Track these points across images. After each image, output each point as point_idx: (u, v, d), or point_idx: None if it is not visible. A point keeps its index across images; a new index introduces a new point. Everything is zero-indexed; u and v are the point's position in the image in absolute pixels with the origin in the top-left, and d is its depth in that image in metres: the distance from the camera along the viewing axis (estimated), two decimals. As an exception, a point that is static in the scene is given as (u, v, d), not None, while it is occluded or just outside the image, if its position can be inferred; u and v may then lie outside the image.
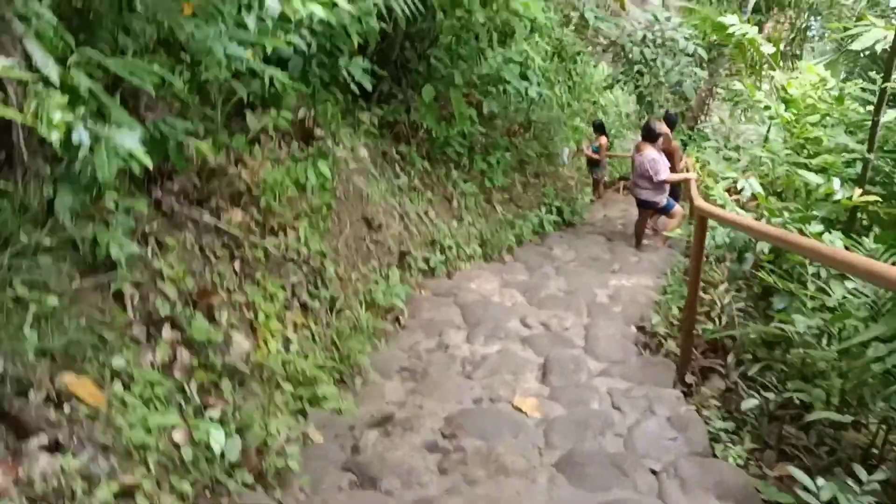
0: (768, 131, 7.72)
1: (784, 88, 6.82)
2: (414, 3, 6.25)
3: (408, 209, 6.94)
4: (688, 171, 11.30)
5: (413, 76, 7.90)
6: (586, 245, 9.99)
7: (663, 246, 10.34)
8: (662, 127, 12.25)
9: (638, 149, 9.95)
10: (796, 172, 5.47)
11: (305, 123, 5.86)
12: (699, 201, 5.19)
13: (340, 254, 5.62)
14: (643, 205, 10.17)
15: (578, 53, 10.38)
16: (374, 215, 6.28)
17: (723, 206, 6.02)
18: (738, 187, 6.17)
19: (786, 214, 4.82)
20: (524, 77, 8.41)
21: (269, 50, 4.19)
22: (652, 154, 9.71)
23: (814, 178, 5.24)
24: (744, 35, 7.30)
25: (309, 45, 5.36)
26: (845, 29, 7.47)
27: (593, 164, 14.66)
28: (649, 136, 9.86)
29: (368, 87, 5.74)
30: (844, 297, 3.99)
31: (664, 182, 9.79)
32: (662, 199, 9.99)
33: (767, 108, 6.57)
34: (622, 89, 11.30)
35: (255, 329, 4.31)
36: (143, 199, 3.93)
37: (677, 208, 10.23)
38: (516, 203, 9.86)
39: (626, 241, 10.77)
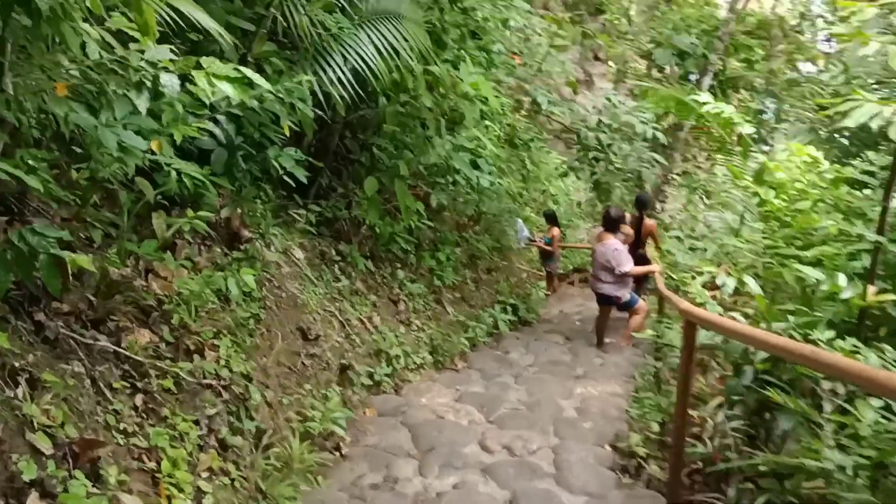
0: (742, 219, 7.22)
1: (764, 171, 6.32)
2: (354, 89, 5.68)
3: (349, 316, 6.20)
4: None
5: (355, 168, 7.30)
6: (545, 347, 9.31)
7: (627, 345, 9.71)
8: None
9: (599, 238, 9.39)
10: (791, 266, 4.90)
11: (231, 224, 5.15)
12: (685, 304, 4.56)
13: (270, 374, 4.82)
14: (604, 300, 9.55)
15: (532, 140, 9.94)
16: (311, 325, 5.52)
17: (702, 306, 5.43)
18: (719, 283, 5.61)
19: (791, 319, 4.19)
20: (475, 166, 7.86)
21: (177, 139, 3.51)
22: (614, 244, 9.16)
23: (813, 273, 4.66)
24: (718, 114, 6.85)
25: (232, 136, 4.72)
26: (821, 108, 7.12)
27: (546, 257, 14.13)
28: (610, 225, 9.33)
29: (303, 180, 5.08)
30: (877, 422, 3.35)
31: (627, 275, 9.23)
32: (626, 293, 9.41)
33: (756, 194, 6.05)
34: (577, 177, 10.86)
35: (158, 482, 3.47)
36: (13, 327, 3.16)
37: (641, 304, 9.66)
38: (469, 302, 9.19)
39: (586, 339, 10.13)
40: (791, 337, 4.05)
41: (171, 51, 3.13)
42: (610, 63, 16.73)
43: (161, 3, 2.88)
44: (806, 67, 15.32)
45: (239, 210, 5.04)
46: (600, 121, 10.07)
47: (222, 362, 4.24)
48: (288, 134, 4.92)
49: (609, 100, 10.27)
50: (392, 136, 7.13)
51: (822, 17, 14.35)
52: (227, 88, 3.11)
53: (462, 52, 7.21)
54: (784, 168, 6.24)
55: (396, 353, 6.44)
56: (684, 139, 14.51)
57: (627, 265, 9.19)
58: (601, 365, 8.63)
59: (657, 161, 10.21)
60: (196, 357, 4.16)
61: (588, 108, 10.45)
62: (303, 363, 5.19)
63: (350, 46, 5.58)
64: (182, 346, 4.14)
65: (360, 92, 5.89)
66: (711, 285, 6.18)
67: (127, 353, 3.72)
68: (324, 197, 6.94)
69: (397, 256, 7.70)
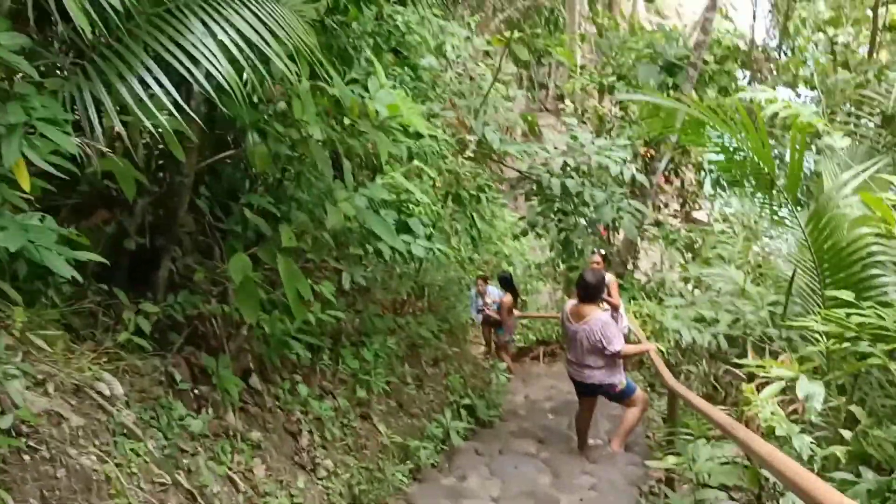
0: (792, 279, 5.09)
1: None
2: (185, 114, 3.46)
3: (205, 478, 3.84)
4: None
5: (230, 242, 5.01)
6: (514, 463, 6.97)
7: (619, 450, 7.45)
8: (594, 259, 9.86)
9: (578, 315, 7.11)
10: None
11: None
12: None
13: None
14: (592, 390, 7.25)
15: (483, 190, 7.70)
16: (117, 521, 3.15)
17: (786, 450, 3.24)
18: (802, 395, 3.48)
19: None
20: (404, 228, 5.66)
21: None
22: (602, 317, 6.98)
23: None
24: (793, 119, 4.79)
25: None
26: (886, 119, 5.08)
27: (495, 326, 11.88)
28: (590, 294, 7.09)
29: (65, 273, 2.76)
30: None
31: (618, 355, 7.01)
32: (621, 378, 7.18)
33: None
34: (538, 234, 8.68)
35: None
36: None
37: (640, 392, 7.43)
38: (409, 411, 6.86)
39: (564, 442, 7.87)
40: None
41: None
42: (565, 103, 14.83)
43: None
44: (783, 93, 13.48)
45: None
46: (566, 164, 7.96)
47: None
48: (28, 189, 2.67)
49: (575, 138, 8.18)
50: (273, 189, 4.90)
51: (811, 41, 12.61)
52: None
53: (375, 64, 5.01)
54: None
55: (288, 529, 4.08)
56: (657, 184, 12.56)
57: (619, 343, 7.01)
58: (593, 489, 6.36)
59: (637, 210, 8.11)
60: None
61: (548, 150, 8.36)
62: None
63: (172, 41, 3.36)
64: None
65: (199, 121, 3.67)
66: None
67: None
68: (181, 288, 4.64)
69: (298, 364, 5.39)
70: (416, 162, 6.01)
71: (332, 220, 4.27)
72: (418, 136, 5.31)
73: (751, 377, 4.42)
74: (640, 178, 8.83)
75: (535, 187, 8.25)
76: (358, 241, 5.67)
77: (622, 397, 7.23)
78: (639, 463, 7.20)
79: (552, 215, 8.21)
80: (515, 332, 12.82)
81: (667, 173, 14.35)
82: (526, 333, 15.03)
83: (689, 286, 12.33)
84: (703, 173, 15.46)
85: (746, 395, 3.67)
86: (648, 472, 7.06)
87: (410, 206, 6.02)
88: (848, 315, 3.81)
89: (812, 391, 3.54)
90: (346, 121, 4.70)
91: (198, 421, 4.09)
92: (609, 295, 9.51)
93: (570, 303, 7.48)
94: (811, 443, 3.34)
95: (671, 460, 4.61)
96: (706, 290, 8.31)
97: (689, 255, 12.24)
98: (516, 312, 13.20)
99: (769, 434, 3.36)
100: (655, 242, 13.44)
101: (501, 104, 8.99)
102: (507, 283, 11.51)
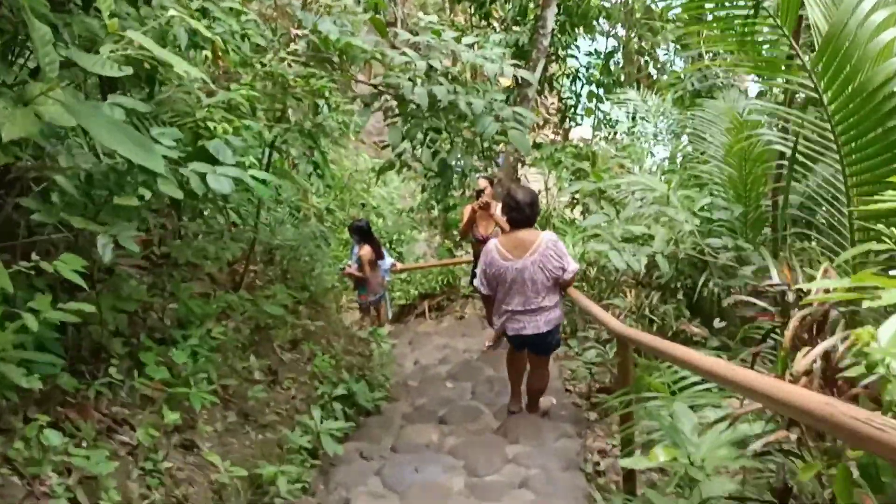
0: (792, 160, 3.46)
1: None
2: None
3: None
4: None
5: None
6: (413, 461, 5.19)
7: (536, 412, 5.89)
8: (482, 183, 8.26)
9: (519, 246, 5.34)
10: None
11: None
12: None
13: None
14: (539, 343, 5.56)
15: (321, 95, 5.47)
16: None
17: None
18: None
19: None
20: (202, 155, 3.70)
21: None
22: (550, 237, 5.44)
23: None
24: None
25: None
26: None
27: (359, 285, 9.88)
28: (527, 215, 5.45)
29: None
30: None
31: (574, 276, 5.52)
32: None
33: None
34: (408, 166, 6.78)
35: None
36: None
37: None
38: (258, 422, 4.89)
39: (472, 420, 6.19)
40: None
41: None
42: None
43: None
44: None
45: None
46: (431, 67, 6.09)
47: None
48: None
49: (437, 33, 6.31)
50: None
51: None
52: None
53: None
54: None
55: None
56: (533, 97, 10.91)
57: (574, 262, 5.54)
58: (524, 486, 4.72)
59: (521, 117, 6.35)
60: None
61: (408, 53, 6.44)
62: None
63: None
64: None
65: None
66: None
67: None
68: None
69: (67, 392, 3.37)
70: (206, 52, 4.03)
71: (8, 133, 2.26)
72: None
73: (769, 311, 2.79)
74: (525, 74, 7.08)
75: (395, 102, 6.35)
76: (131, 185, 3.65)
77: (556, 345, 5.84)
78: (572, 434, 5.63)
79: (421, 136, 6.34)
80: (385, 289, 10.80)
81: (539, 88, 12.74)
82: (407, 289, 13.23)
83: (577, 211, 10.89)
84: (579, 83, 14.03)
85: (863, 347, 2.00)
86: (585, 444, 5.51)
87: (212, 125, 4.02)
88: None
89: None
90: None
91: None
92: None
93: (494, 241, 5.70)
94: None
95: (661, 455, 2.89)
96: (614, 206, 6.72)
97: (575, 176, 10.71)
98: (398, 265, 11.38)
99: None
100: (538, 165, 11.82)
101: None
102: (362, 232, 9.56)
